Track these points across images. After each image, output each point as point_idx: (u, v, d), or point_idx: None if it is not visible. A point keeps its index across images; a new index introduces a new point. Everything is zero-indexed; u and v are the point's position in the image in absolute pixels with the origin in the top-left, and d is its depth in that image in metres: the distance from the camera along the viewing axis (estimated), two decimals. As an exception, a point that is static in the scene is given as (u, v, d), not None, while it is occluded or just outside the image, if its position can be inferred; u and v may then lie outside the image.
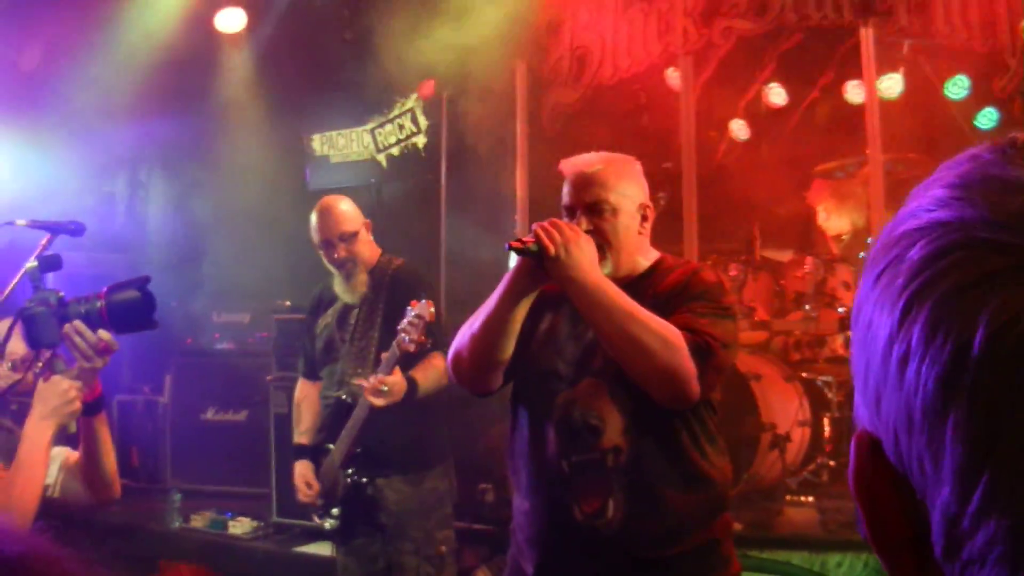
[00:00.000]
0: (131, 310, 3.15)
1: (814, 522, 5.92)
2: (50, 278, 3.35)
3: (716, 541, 3.38)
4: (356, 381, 4.97)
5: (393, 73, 8.23)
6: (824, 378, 6.89)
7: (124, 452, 8.19)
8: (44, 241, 4.06)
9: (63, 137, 8.11)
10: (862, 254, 7.42)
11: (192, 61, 8.70)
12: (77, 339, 3.10)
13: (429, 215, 8.45)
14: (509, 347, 3.34)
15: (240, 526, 7.15)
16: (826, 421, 6.83)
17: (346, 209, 5.19)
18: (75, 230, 4.15)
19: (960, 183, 0.73)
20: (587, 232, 3.22)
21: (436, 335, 4.94)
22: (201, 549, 7.12)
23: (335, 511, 5.09)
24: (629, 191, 3.37)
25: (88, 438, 3.35)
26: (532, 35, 8.03)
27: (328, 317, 5.28)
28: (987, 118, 7.95)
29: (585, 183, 3.34)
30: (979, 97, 7.73)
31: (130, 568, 6.66)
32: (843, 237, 7.90)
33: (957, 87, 7.83)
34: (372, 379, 4.71)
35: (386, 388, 4.69)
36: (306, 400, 5.36)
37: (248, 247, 8.43)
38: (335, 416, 5.08)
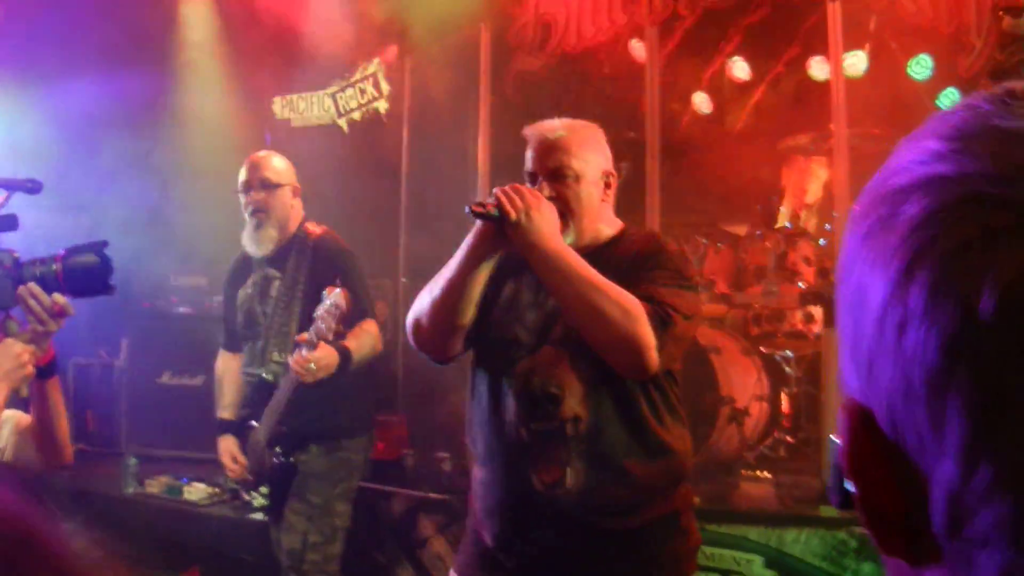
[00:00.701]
0: (88, 274, 3.08)
1: (771, 497, 5.94)
2: (9, 238, 3.29)
3: (676, 512, 3.39)
4: (277, 358, 4.93)
5: (355, 37, 8.17)
6: (783, 353, 6.91)
7: (79, 416, 8.13)
8: (0, 199, 4.00)
9: (22, 94, 8.01)
10: (828, 226, 7.45)
11: (154, 20, 8.60)
12: (32, 302, 3.03)
13: (390, 180, 8.40)
14: (469, 312, 3.32)
15: (195, 492, 7.09)
16: (784, 396, 6.85)
17: (276, 163, 5.15)
18: (32, 188, 4.08)
19: (957, 134, 0.69)
20: (549, 199, 3.21)
21: (365, 301, 4.97)
22: (156, 514, 7.08)
23: (263, 489, 5.03)
24: (592, 158, 3.35)
25: (40, 402, 3.29)
26: (497, 1, 7.99)
27: (249, 288, 5.18)
28: (948, 99, 7.96)
29: (548, 149, 3.32)
30: (942, 77, 7.75)
31: (84, 533, 6.61)
32: (808, 212, 7.90)
33: (920, 67, 7.83)
34: (298, 356, 4.60)
35: (314, 366, 4.61)
36: (228, 373, 5.27)
37: (207, 210, 8.36)
38: (259, 393, 5.00)
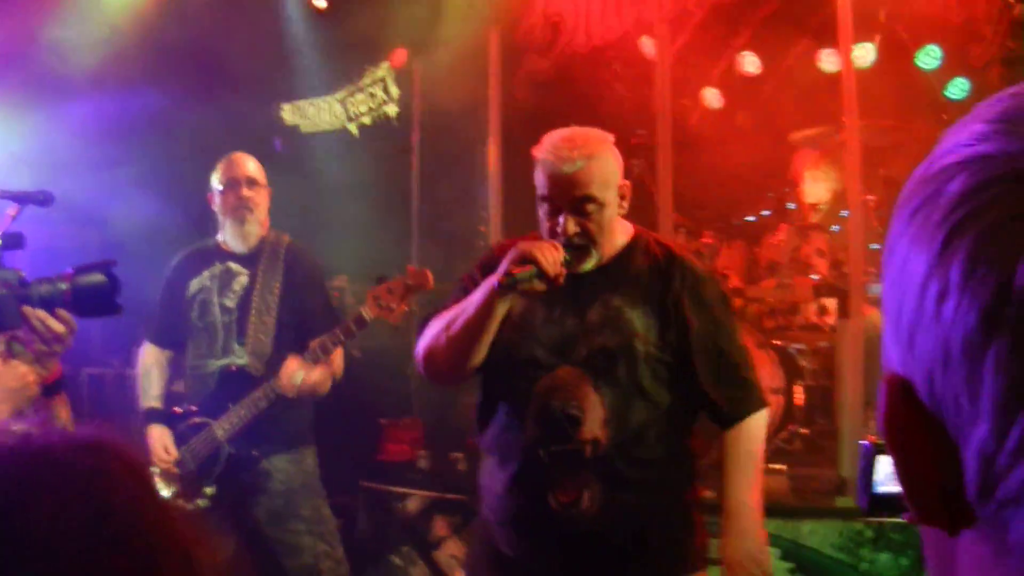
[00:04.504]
0: (96, 294, 3.04)
1: (786, 489, 5.92)
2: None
3: (688, 510, 3.44)
4: (242, 359, 4.91)
5: (364, 41, 8.17)
6: (797, 346, 6.88)
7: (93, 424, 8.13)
8: (12, 211, 4.01)
9: (34, 110, 8.02)
10: (836, 227, 7.44)
11: (162, 31, 8.61)
12: (37, 324, 3.00)
13: (401, 184, 8.40)
14: (485, 350, 3.31)
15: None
16: (799, 389, 6.83)
17: (256, 165, 5.14)
18: (43, 200, 4.09)
19: (1002, 117, 0.71)
20: (575, 234, 3.21)
21: (332, 317, 5.04)
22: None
23: (209, 489, 4.91)
24: (611, 180, 3.30)
25: (48, 420, 3.28)
26: (505, 2, 7.98)
27: (206, 280, 5.07)
28: (958, 88, 7.94)
29: (568, 184, 3.24)
30: (951, 67, 7.73)
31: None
32: (820, 206, 7.89)
33: (929, 57, 7.82)
34: (295, 371, 4.66)
35: (298, 379, 4.67)
36: (156, 366, 5.17)
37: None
38: (219, 386, 4.92)
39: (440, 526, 6.39)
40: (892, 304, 0.75)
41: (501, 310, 3.22)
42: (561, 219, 3.24)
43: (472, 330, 3.24)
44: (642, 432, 3.26)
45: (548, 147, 3.30)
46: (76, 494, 0.92)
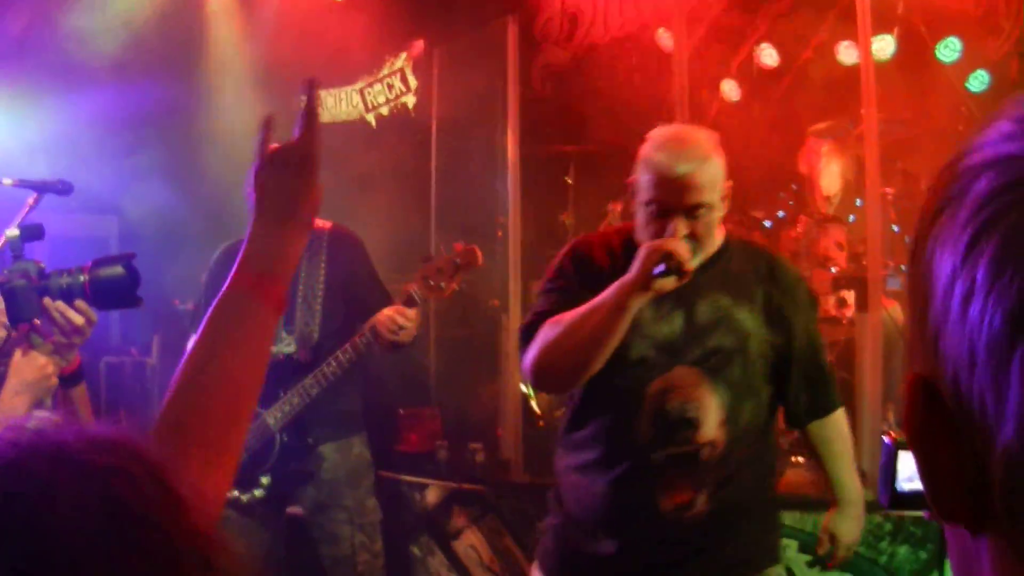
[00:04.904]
0: (115, 287, 3.00)
1: (806, 482, 5.92)
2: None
3: (773, 502, 3.59)
4: (288, 348, 4.89)
5: (382, 32, 8.17)
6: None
7: (112, 414, 8.18)
8: (31, 200, 4.03)
9: (52, 99, 8.05)
10: (852, 217, 7.42)
11: (180, 21, 8.63)
12: (56, 315, 2.98)
13: (418, 175, 8.41)
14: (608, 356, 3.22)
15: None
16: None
17: None
18: (63, 189, 4.11)
19: None
20: (685, 237, 3.14)
21: (386, 291, 5.01)
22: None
23: (264, 479, 4.91)
24: (719, 181, 3.23)
25: (67, 411, 3.28)
26: (524, -7, 7.98)
27: None
28: (978, 80, 7.91)
29: (681, 187, 3.15)
30: (970, 60, 7.69)
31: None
32: (834, 198, 7.87)
33: (949, 49, 7.78)
34: (395, 312, 4.62)
35: (407, 323, 4.62)
36: None
37: (235, 208, 8.38)
38: (269, 375, 4.88)
39: (459, 517, 6.41)
40: (917, 304, 0.75)
41: (635, 310, 3.13)
42: (671, 222, 3.15)
43: (605, 332, 3.11)
44: (748, 431, 3.27)
45: (658, 146, 3.23)
46: (92, 494, 0.91)
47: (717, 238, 3.34)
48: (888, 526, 5.16)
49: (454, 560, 6.39)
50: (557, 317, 3.23)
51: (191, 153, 8.76)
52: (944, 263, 0.70)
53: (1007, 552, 0.69)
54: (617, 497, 3.30)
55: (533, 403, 7.50)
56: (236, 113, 8.72)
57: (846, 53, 8.11)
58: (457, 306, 7.68)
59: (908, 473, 1.04)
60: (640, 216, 3.27)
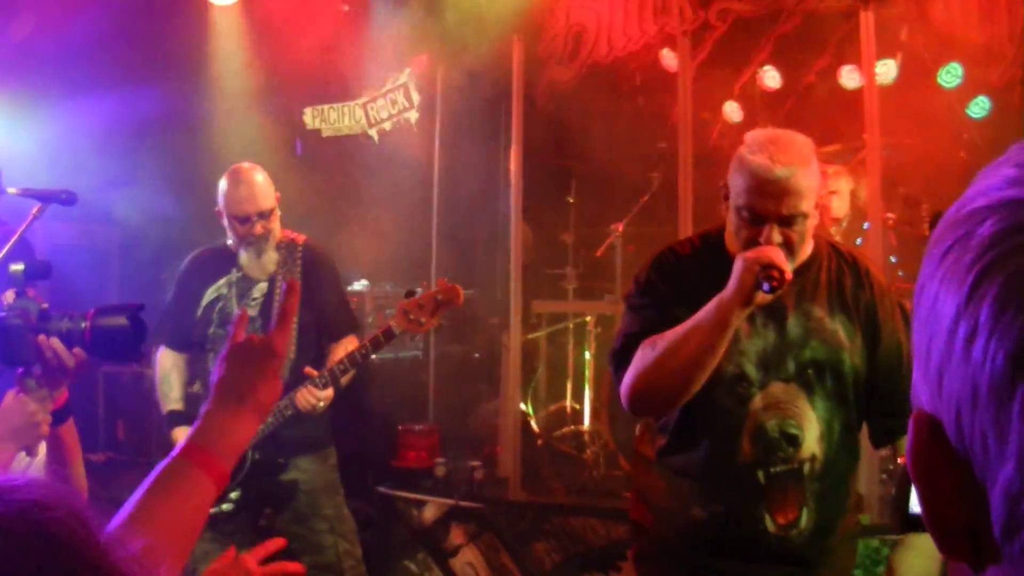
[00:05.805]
0: (116, 338, 2.80)
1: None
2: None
3: (855, 516, 3.49)
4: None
5: (387, 47, 8.18)
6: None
7: (110, 425, 8.16)
8: (35, 210, 4.03)
9: (54, 108, 8.06)
10: (859, 240, 7.42)
11: (184, 31, 8.64)
12: (49, 353, 2.78)
13: (421, 190, 8.42)
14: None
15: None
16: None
17: (263, 182, 5.00)
18: (67, 199, 4.11)
19: None
20: (778, 244, 3.03)
21: (349, 315, 5.22)
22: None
23: (233, 494, 4.94)
24: (816, 190, 3.11)
25: (54, 448, 3.14)
26: (528, 12, 7.98)
27: (223, 287, 5.08)
28: (979, 107, 7.93)
29: (780, 193, 3.03)
30: (972, 86, 7.71)
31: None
32: (843, 221, 7.89)
33: (950, 75, 7.80)
34: (307, 392, 4.74)
35: (322, 404, 4.76)
36: (175, 369, 5.20)
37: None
38: None
39: (456, 534, 6.40)
40: (922, 344, 0.76)
41: (736, 325, 3.04)
42: (765, 229, 3.06)
43: (708, 351, 3.01)
44: (842, 444, 3.23)
45: (755, 148, 3.11)
46: (12, 563, 0.92)
47: (808, 245, 3.24)
48: (886, 551, 5.15)
49: (451, 577, 6.38)
50: (653, 338, 3.13)
51: (193, 163, 8.76)
52: (948, 304, 0.72)
53: None
54: (722, 521, 3.23)
55: (532, 421, 7.50)
56: (239, 124, 8.74)
57: (848, 77, 8.14)
58: (457, 324, 7.69)
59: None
60: (732, 221, 3.19)
